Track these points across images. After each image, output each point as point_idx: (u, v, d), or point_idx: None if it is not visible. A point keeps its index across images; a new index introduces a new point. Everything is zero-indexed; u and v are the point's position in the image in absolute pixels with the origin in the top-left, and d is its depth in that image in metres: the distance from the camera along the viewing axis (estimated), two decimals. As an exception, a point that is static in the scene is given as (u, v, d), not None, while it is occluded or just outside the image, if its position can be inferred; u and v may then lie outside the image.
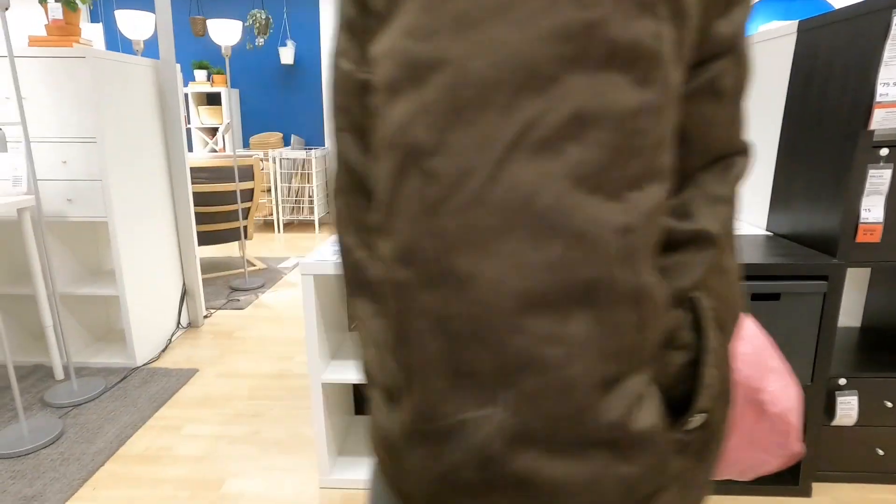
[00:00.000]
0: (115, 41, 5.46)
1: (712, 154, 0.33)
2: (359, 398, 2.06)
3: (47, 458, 1.88)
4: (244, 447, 1.96)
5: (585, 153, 0.24)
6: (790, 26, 1.68)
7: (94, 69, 2.26)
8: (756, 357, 0.46)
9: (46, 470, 1.82)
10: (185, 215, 2.91)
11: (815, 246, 1.56)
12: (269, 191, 5.33)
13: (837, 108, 1.46)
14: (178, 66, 2.79)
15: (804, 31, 1.62)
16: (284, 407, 2.22)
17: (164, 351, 2.73)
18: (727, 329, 0.36)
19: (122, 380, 2.43)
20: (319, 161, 5.40)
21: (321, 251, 1.67)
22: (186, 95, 5.46)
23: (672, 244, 0.32)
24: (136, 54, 2.89)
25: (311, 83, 5.66)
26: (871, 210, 1.43)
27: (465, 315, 0.24)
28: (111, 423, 2.10)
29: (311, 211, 5.37)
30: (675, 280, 0.33)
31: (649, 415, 0.26)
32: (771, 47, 1.79)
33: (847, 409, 1.58)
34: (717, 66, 0.31)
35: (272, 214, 5.45)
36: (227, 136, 5.56)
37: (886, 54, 1.30)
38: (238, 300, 3.43)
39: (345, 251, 0.40)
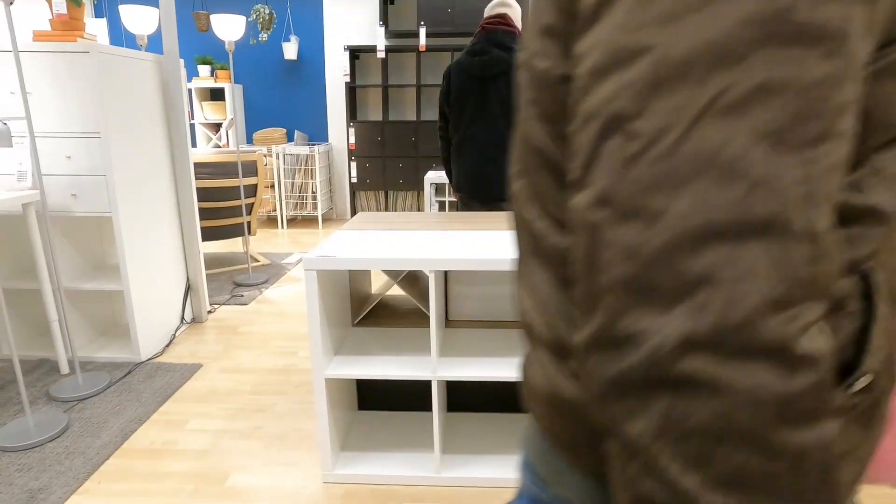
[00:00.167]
0: (119, 36, 5.46)
1: (891, 134, 0.35)
2: (362, 393, 2.07)
3: (53, 451, 1.89)
4: (248, 442, 1.97)
5: (769, 115, 0.27)
6: None
7: (98, 64, 2.26)
8: None
9: (52, 463, 1.83)
10: (189, 211, 2.92)
11: None
12: (272, 186, 5.34)
13: None
14: (182, 61, 2.79)
15: None
16: (288, 402, 2.23)
17: (168, 346, 2.74)
18: None
19: (126, 374, 2.44)
20: (322, 157, 5.40)
21: (324, 247, 1.67)
22: (190, 91, 5.46)
23: (847, 217, 0.35)
24: (139, 49, 2.90)
25: (314, 79, 5.65)
26: None
27: (654, 242, 0.28)
28: (116, 417, 2.11)
29: (315, 206, 5.37)
30: (848, 251, 0.35)
31: (816, 340, 0.28)
32: None
33: None
34: None
35: (275, 210, 5.46)
36: (230, 132, 5.57)
37: None
38: (242, 295, 3.44)
39: (524, 223, 0.47)
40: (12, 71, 2.27)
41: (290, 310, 3.22)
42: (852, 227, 0.35)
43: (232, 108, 5.10)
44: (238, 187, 3.67)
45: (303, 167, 5.30)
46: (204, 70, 5.48)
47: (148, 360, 2.59)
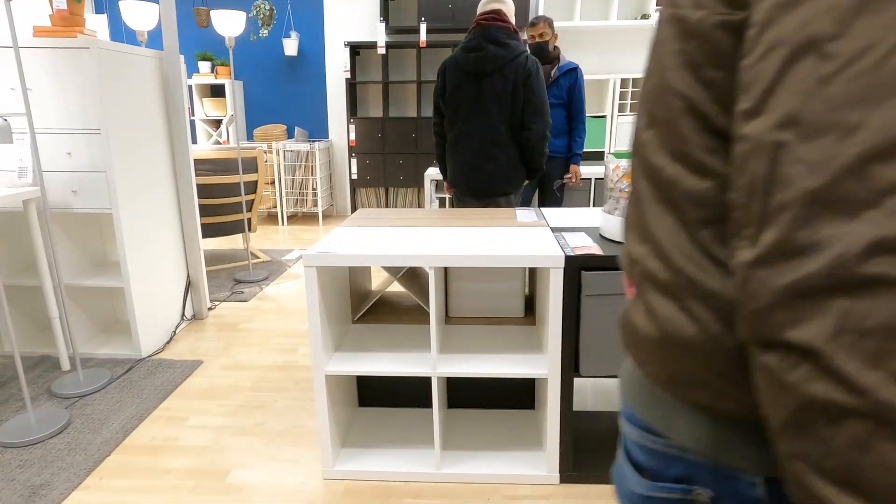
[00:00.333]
0: (120, 32, 5.45)
1: None
2: (362, 390, 2.07)
3: (54, 447, 1.90)
4: (248, 438, 1.97)
5: None
6: None
7: (98, 60, 2.26)
8: None
9: (54, 459, 1.83)
10: (189, 207, 2.92)
11: None
12: (272, 183, 5.34)
13: None
14: (182, 57, 2.79)
15: None
16: (288, 398, 2.23)
17: (168, 342, 2.75)
18: None
19: (127, 371, 2.45)
20: (323, 153, 5.40)
21: (324, 243, 1.67)
22: (190, 87, 5.46)
23: None
24: (140, 45, 2.89)
25: (314, 75, 5.64)
26: None
27: (847, 153, 0.30)
28: (117, 413, 2.12)
29: (315, 203, 5.37)
30: None
31: None
32: None
33: None
34: None
35: (276, 207, 5.46)
36: (230, 128, 5.56)
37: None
38: (242, 292, 3.44)
39: (652, 171, 0.49)
40: (12, 67, 2.27)
41: (291, 306, 3.22)
42: None
43: (232, 105, 5.10)
44: (238, 184, 3.67)
45: (303, 164, 5.29)
46: (204, 66, 5.47)
47: (148, 356, 2.59)
